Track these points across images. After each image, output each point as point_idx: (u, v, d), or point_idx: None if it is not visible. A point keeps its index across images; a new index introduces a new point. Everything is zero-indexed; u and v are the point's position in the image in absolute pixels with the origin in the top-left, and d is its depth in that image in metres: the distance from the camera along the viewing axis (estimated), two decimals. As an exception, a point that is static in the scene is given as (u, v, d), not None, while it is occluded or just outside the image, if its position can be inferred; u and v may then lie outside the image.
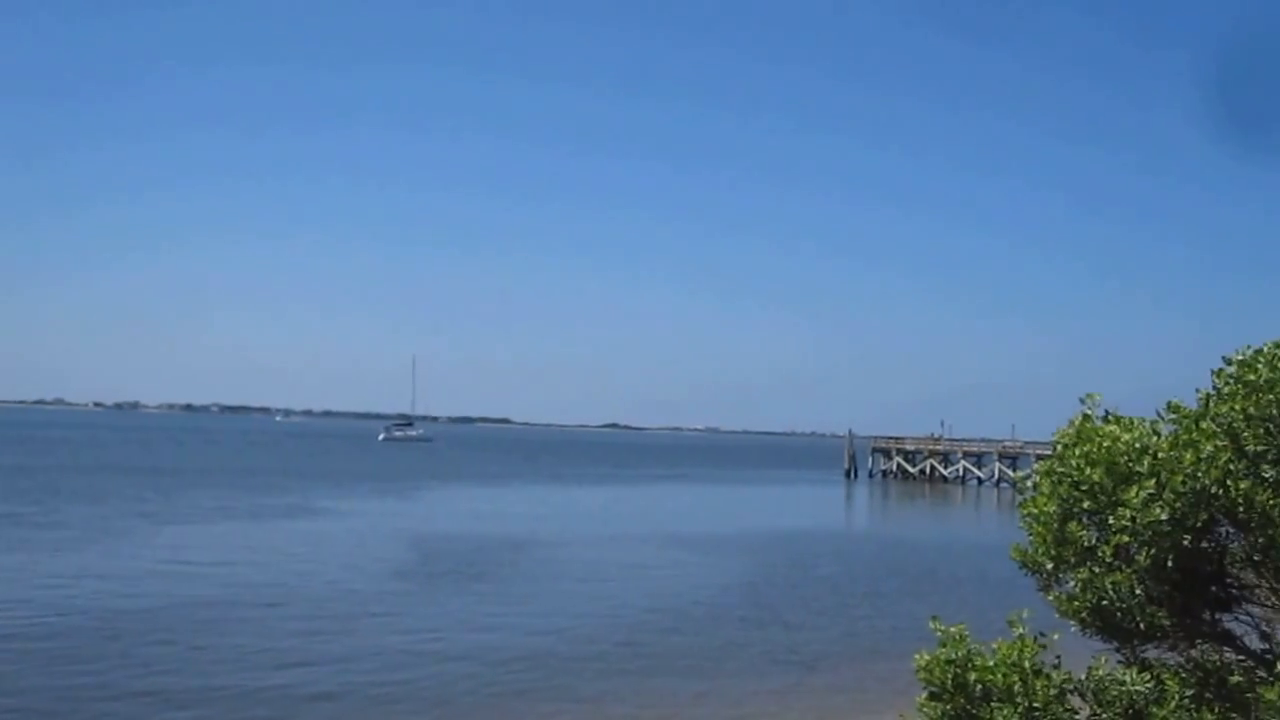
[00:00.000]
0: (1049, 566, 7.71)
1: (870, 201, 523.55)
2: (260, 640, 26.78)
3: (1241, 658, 7.60)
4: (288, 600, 32.68)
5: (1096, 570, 7.39)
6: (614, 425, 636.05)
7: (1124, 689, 7.22)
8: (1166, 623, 7.47)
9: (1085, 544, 7.49)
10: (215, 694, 21.93)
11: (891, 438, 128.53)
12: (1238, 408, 7.20)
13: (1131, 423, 7.63)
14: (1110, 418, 7.76)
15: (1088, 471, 7.35)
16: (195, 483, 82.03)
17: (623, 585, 38.53)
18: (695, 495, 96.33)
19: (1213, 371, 7.71)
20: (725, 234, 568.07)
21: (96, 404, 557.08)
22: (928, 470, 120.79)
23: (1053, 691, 7.27)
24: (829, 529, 66.59)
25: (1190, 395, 7.60)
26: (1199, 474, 7.02)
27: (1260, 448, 7.06)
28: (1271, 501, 6.89)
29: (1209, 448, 7.09)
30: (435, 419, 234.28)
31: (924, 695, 7.55)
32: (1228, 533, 7.51)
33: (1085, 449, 7.44)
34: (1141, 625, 7.43)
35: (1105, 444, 7.39)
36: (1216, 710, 7.10)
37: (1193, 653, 7.67)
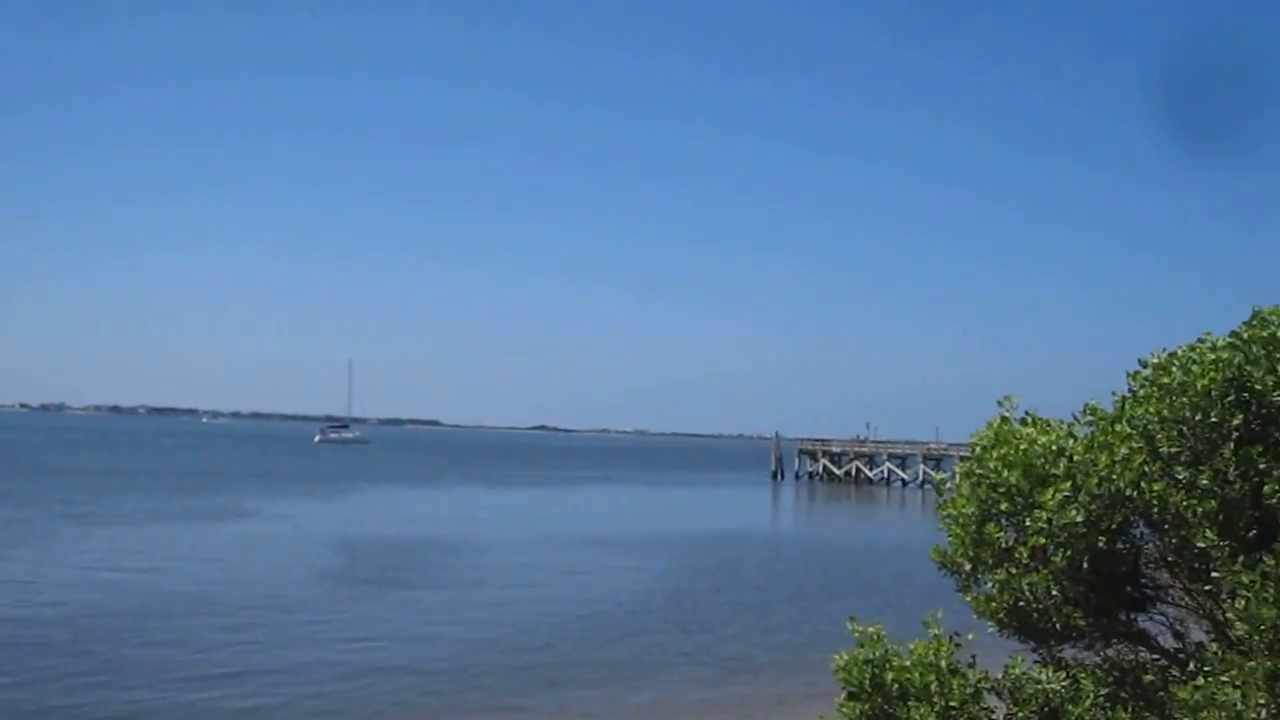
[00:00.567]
0: (967, 567, 7.77)
1: (802, 204, 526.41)
2: (185, 652, 26.12)
3: (1156, 657, 7.70)
4: (214, 607, 32.09)
5: (1014, 571, 7.45)
6: (542, 427, 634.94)
7: (1040, 688, 7.29)
8: (1082, 623, 7.54)
9: (1003, 545, 7.56)
10: (139, 709, 21.44)
11: (817, 440, 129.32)
12: (1152, 410, 7.29)
13: (1048, 425, 7.71)
14: (1028, 420, 7.83)
15: (1005, 474, 7.42)
16: (127, 485, 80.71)
17: (549, 589, 38.42)
18: (623, 497, 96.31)
19: (1128, 374, 7.81)
20: (653, 237, 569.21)
21: (22, 405, 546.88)
22: (853, 472, 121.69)
23: (969, 690, 7.33)
24: (754, 531, 66.82)
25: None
26: (1114, 476, 7.09)
27: (1174, 449, 7.15)
28: (1185, 503, 6.98)
29: (1124, 450, 7.17)
30: (364, 420, 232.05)
31: (843, 696, 7.58)
32: (1142, 534, 7.60)
33: (1003, 451, 7.51)
34: (1058, 625, 7.50)
35: (1022, 446, 7.46)
36: (1131, 709, 7.18)
37: (1108, 652, 7.76)
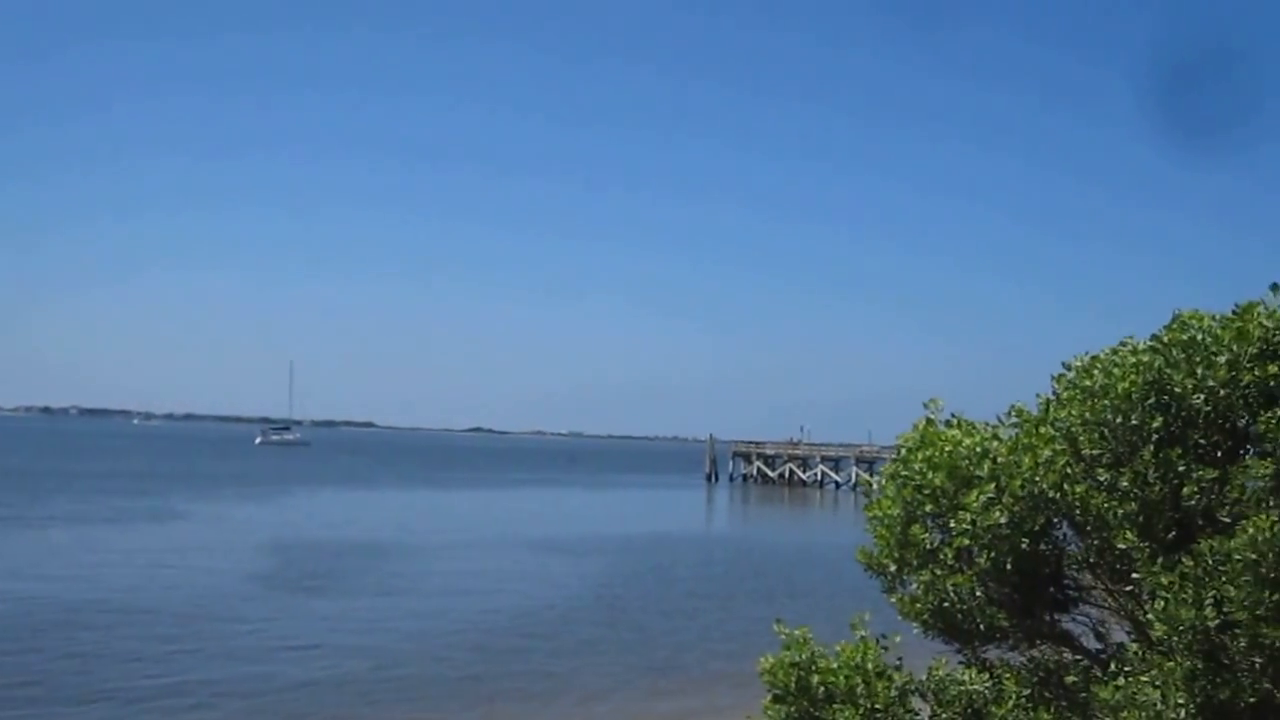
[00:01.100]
0: (893, 569, 7.80)
1: (737, 205, 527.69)
2: (105, 664, 25.33)
3: (1078, 657, 7.75)
4: (139, 615, 31.24)
5: (938, 573, 7.49)
6: (478, 429, 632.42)
7: (963, 689, 7.33)
8: (1006, 624, 7.59)
9: (928, 547, 7.59)
10: None
11: (752, 442, 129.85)
12: (1075, 413, 7.35)
13: (973, 427, 7.75)
14: (953, 422, 7.88)
15: (930, 475, 7.45)
16: (58, 487, 79.23)
17: (482, 594, 38.20)
18: (559, 500, 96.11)
19: (1053, 377, 7.87)
20: (587, 240, 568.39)
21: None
22: (787, 474, 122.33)
23: (894, 692, 7.35)
24: (688, 533, 66.90)
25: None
26: (1037, 478, 7.14)
27: (1096, 452, 7.21)
28: (1106, 505, 7.04)
29: (1047, 452, 7.22)
30: (299, 422, 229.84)
31: (768, 698, 7.58)
32: (1065, 535, 7.66)
33: (928, 453, 7.54)
34: (982, 626, 7.55)
35: (947, 448, 7.50)
36: (1053, 709, 7.23)
37: (1032, 653, 7.81)
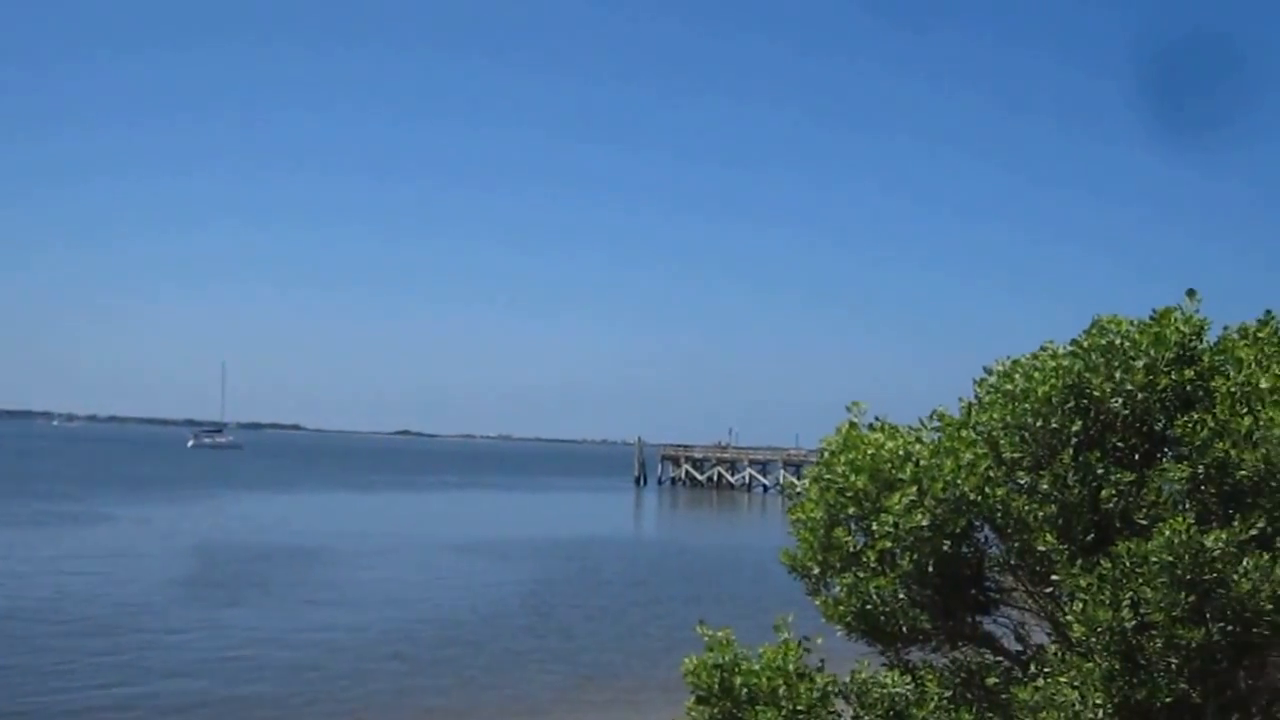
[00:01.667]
0: (816, 571, 7.83)
1: (667, 208, 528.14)
2: (11, 675, 24.65)
3: (999, 659, 7.82)
4: (52, 624, 30.41)
5: (861, 575, 7.52)
6: (405, 432, 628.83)
7: (885, 691, 7.36)
8: (928, 626, 7.64)
9: (851, 549, 7.63)
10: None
11: (680, 445, 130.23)
12: (996, 416, 7.41)
13: (896, 430, 7.80)
14: (876, 425, 7.92)
15: (853, 478, 7.49)
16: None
17: (406, 596, 37.90)
18: (486, 503, 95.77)
19: (974, 381, 7.93)
20: (517, 243, 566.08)
21: None
22: (715, 478, 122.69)
23: (816, 694, 7.37)
24: (615, 536, 66.84)
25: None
26: (958, 481, 7.19)
27: (1016, 455, 7.28)
28: (1026, 507, 7.10)
29: (968, 455, 7.28)
30: (224, 425, 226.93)
31: (691, 700, 7.58)
32: (986, 538, 7.73)
33: (851, 456, 7.58)
34: (904, 628, 7.59)
35: (870, 451, 7.53)
36: (974, 710, 7.28)
37: (954, 654, 7.87)
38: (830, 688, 7.52)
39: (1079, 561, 6.89)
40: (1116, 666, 6.65)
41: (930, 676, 7.46)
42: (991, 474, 7.28)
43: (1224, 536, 6.45)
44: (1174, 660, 6.58)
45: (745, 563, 50.69)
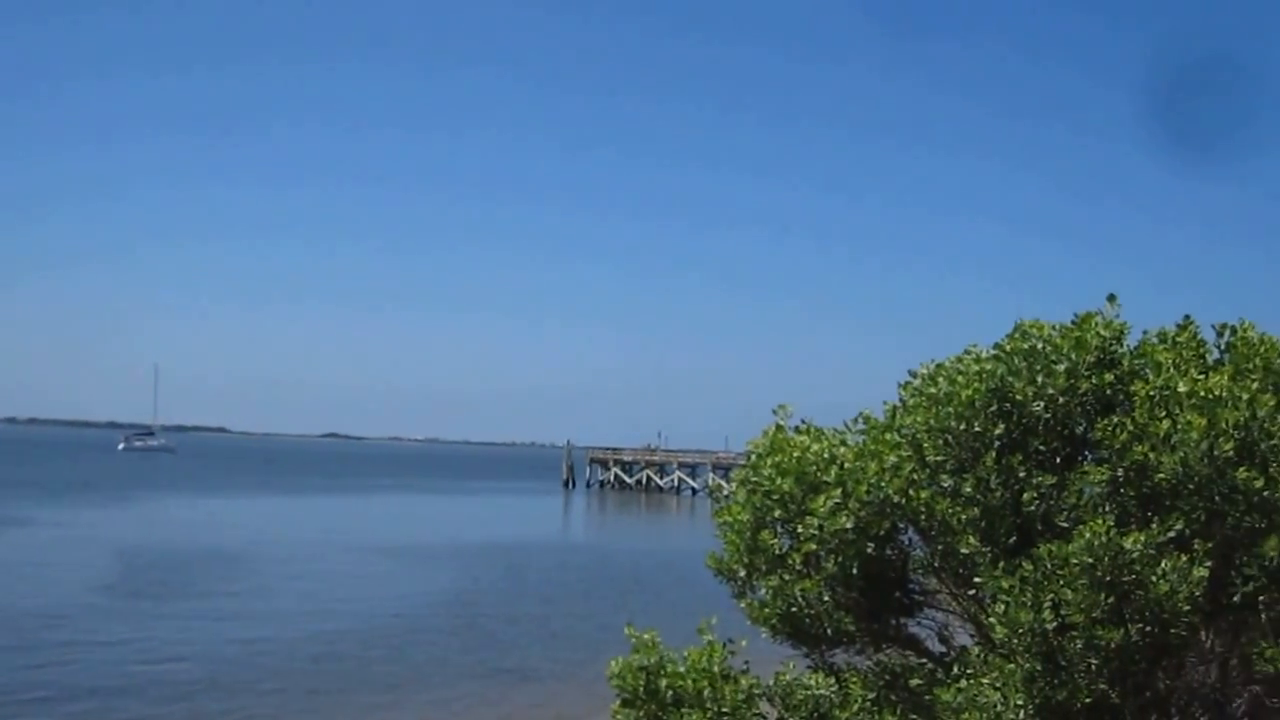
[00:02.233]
0: (742, 574, 7.85)
1: (595, 209, 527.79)
2: None
3: (923, 660, 7.87)
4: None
5: (786, 577, 7.54)
6: (333, 434, 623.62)
7: (810, 693, 7.39)
8: (853, 628, 7.68)
9: (776, 552, 7.65)
10: None
11: (609, 448, 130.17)
12: (920, 420, 7.46)
13: (821, 433, 7.83)
14: (802, 428, 7.94)
15: (779, 481, 7.50)
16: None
17: (330, 600, 37.53)
18: (413, 505, 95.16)
19: (899, 384, 7.98)
20: (444, 246, 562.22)
21: None
22: (644, 481, 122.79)
23: (741, 696, 7.38)
24: (543, 539, 66.67)
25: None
26: (883, 484, 7.23)
27: (940, 458, 7.33)
28: (950, 510, 7.15)
29: (893, 458, 7.32)
30: (148, 426, 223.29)
31: (617, 702, 7.56)
32: (910, 540, 7.78)
33: (777, 459, 7.60)
34: (829, 631, 7.62)
35: (795, 454, 7.55)
36: (898, 711, 7.32)
37: (879, 656, 7.91)
38: (755, 690, 7.53)
39: (1001, 564, 6.94)
40: (1037, 667, 6.71)
41: (854, 678, 7.50)
42: (915, 477, 7.33)
43: (1143, 538, 6.53)
44: (1094, 661, 6.65)
45: (672, 566, 50.69)
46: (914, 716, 7.39)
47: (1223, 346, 7.52)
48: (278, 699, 23.89)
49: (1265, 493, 6.58)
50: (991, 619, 6.90)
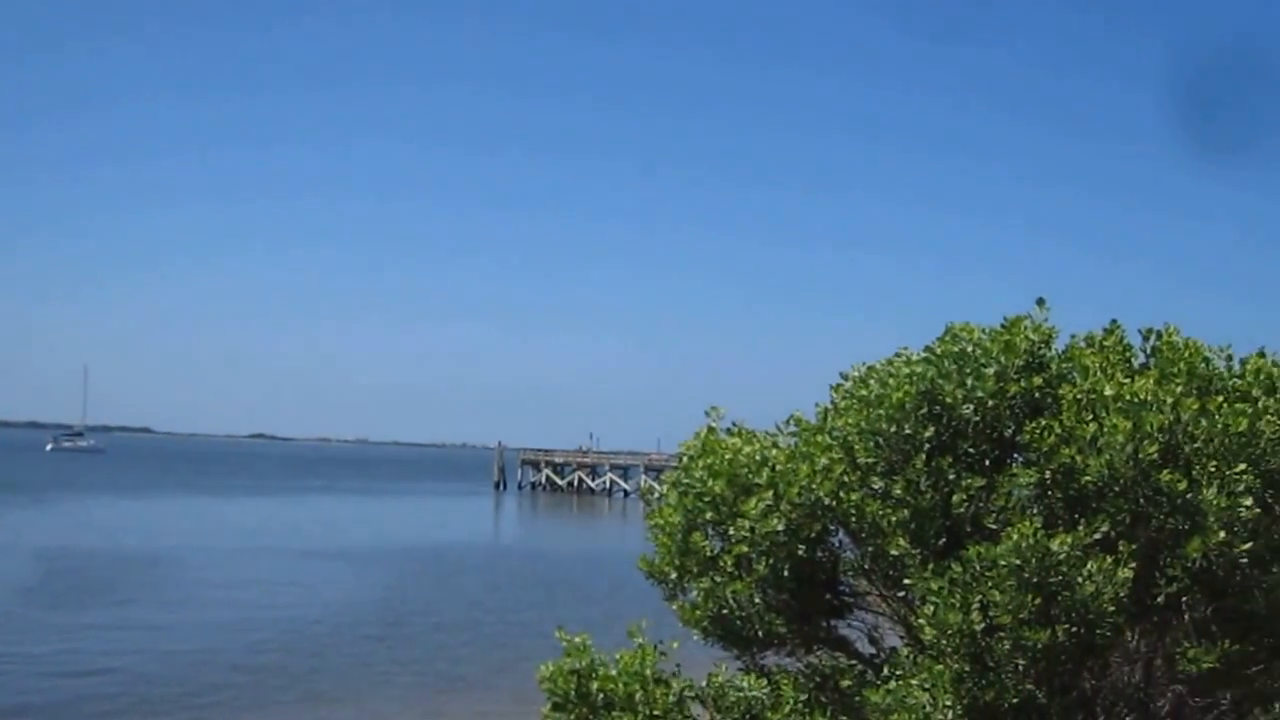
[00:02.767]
0: (674, 576, 7.85)
1: (522, 210, 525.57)
2: None
3: (853, 662, 7.91)
4: None
5: (718, 579, 7.55)
6: (261, 435, 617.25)
7: (742, 695, 7.40)
8: (784, 630, 7.70)
9: (708, 554, 7.66)
10: None
11: (540, 450, 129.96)
12: (851, 422, 7.50)
13: (753, 435, 7.85)
14: (734, 430, 7.96)
15: (710, 483, 7.51)
16: None
17: (251, 604, 37.12)
18: (341, 507, 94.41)
19: (830, 386, 8.03)
20: (367, 245, 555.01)
21: None
22: (576, 482, 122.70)
23: (672, 699, 7.38)
24: (473, 541, 66.51)
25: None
26: (814, 486, 7.26)
27: (871, 460, 7.37)
28: (880, 512, 7.19)
29: (824, 460, 7.35)
30: (71, 427, 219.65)
31: (547, 706, 7.54)
32: (841, 542, 7.82)
33: (709, 461, 7.61)
34: (760, 633, 7.64)
35: (727, 456, 7.57)
36: (829, 713, 7.35)
37: (809, 658, 7.94)
38: (687, 692, 7.53)
39: (930, 565, 6.99)
40: (966, 668, 6.75)
41: (786, 680, 7.52)
42: (846, 479, 7.36)
43: (1069, 540, 6.60)
44: (1021, 662, 6.71)
45: (603, 568, 50.69)
46: (844, 718, 7.42)
47: (1148, 351, 7.62)
48: (196, 705, 23.51)
49: (1188, 495, 6.66)
50: (921, 620, 6.95)
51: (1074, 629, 6.69)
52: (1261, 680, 7.06)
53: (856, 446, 7.38)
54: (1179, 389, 6.97)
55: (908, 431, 7.24)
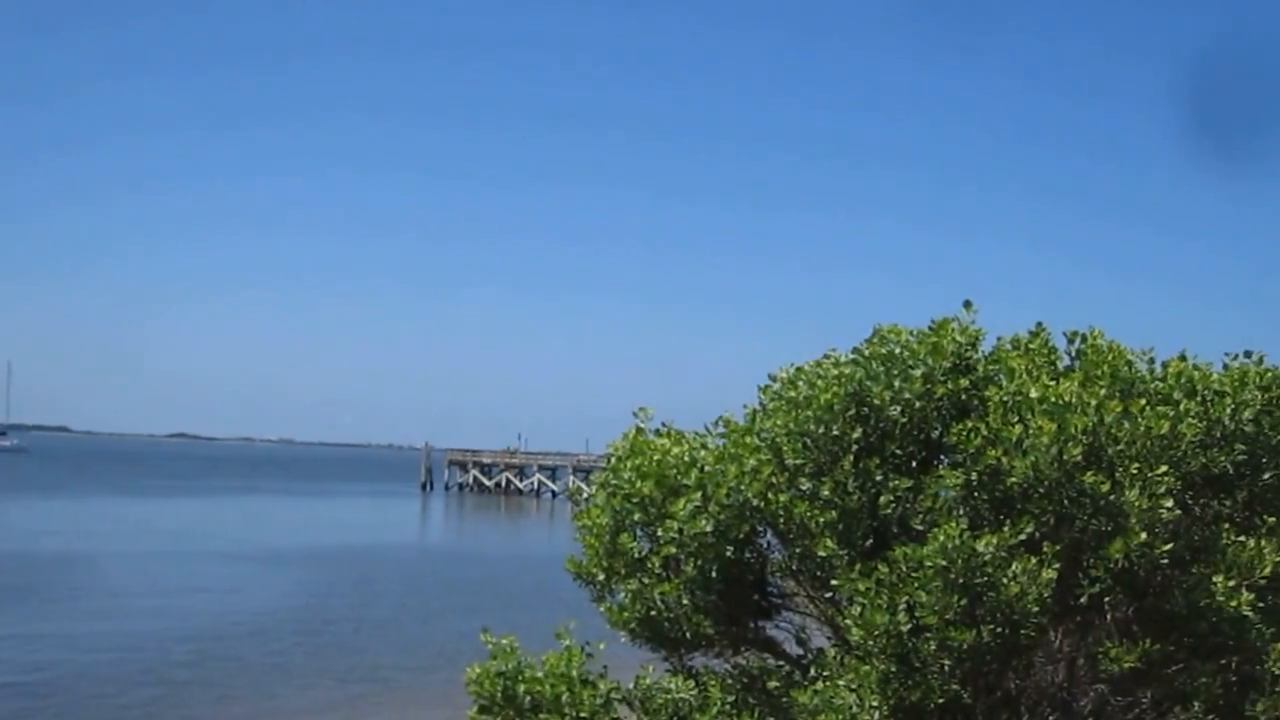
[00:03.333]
0: (601, 578, 7.83)
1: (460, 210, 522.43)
2: None
3: (781, 663, 7.93)
4: None
5: (646, 581, 7.54)
6: (182, 435, 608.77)
7: (669, 696, 7.39)
8: (712, 631, 7.70)
9: (636, 555, 7.64)
10: None
11: (468, 450, 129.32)
12: (780, 423, 7.51)
13: (682, 436, 7.84)
14: (662, 431, 7.95)
15: (639, 484, 7.50)
16: None
17: (166, 607, 36.35)
18: (264, 508, 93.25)
19: (759, 387, 8.03)
20: (292, 235, 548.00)
21: None
22: (504, 483, 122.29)
23: (599, 700, 7.36)
24: (398, 543, 66.00)
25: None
26: (742, 487, 7.27)
27: (799, 461, 7.38)
28: (808, 513, 7.20)
29: (752, 461, 7.36)
30: (5, 427, 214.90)
31: (474, 709, 7.49)
32: (769, 543, 7.84)
33: (637, 462, 7.59)
34: (688, 634, 7.64)
35: (656, 457, 7.56)
36: (756, 714, 7.36)
37: (737, 659, 7.95)
38: (614, 694, 7.52)
39: (858, 566, 7.01)
40: (892, 669, 6.79)
41: (713, 681, 7.52)
42: (775, 480, 7.37)
43: (995, 541, 6.65)
44: (947, 662, 6.75)
45: (531, 570, 50.50)
46: (771, 719, 7.43)
47: (1073, 354, 7.71)
48: (109, 710, 23.03)
49: (1111, 496, 6.74)
50: (848, 621, 6.97)
51: (999, 629, 6.74)
52: (1181, 679, 7.15)
53: (785, 448, 7.40)
54: (1102, 391, 7.05)
55: (835, 433, 7.27)
